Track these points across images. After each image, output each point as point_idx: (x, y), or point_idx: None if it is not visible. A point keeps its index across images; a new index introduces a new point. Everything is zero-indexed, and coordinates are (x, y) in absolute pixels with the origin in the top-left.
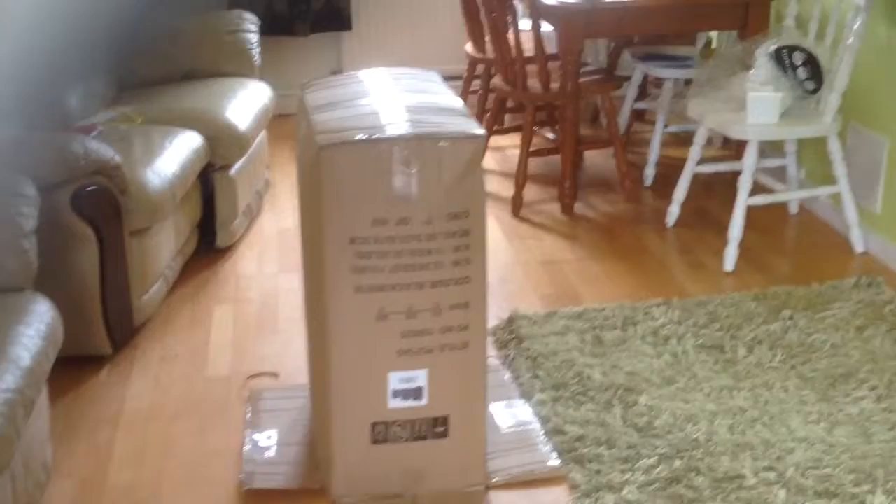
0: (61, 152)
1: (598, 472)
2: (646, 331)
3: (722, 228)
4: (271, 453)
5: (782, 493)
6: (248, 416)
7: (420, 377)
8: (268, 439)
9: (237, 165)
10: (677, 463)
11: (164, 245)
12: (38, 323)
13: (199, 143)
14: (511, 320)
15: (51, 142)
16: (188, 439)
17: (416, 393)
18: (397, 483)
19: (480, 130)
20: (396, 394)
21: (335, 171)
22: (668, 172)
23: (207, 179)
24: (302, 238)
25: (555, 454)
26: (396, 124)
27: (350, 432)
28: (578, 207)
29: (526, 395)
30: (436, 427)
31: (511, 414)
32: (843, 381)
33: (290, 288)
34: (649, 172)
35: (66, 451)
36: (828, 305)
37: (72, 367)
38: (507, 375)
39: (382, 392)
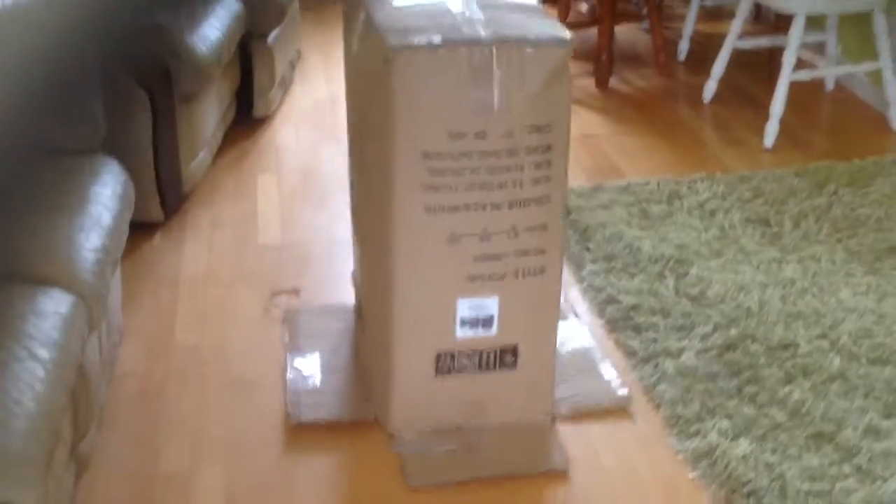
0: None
1: (654, 339)
2: (691, 204)
3: (758, 105)
4: (316, 381)
5: (837, 360)
6: (286, 339)
7: (491, 305)
8: (311, 366)
9: (274, 34)
10: (732, 331)
11: (210, 112)
12: (114, 183)
13: (238, 10)
14: None
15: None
16: (247, 305)
17: (485, 322)
18: (460, 416)
19: (568, 34)
20: (465, 322)
21: (410, 78)
22: (702, 48)
23: (245, 48)
24: (354, 150)
25: (620, 381)
26: (473, 25)
27: (412, 363)
28: (612, 82)
29: (577, 266)
30: (504, 357)
31: (568, 335)
32: (889, 254)
33: (330, 159)
34: (683, 47)
35: (132, 313)
36: (870, 181)
37: None
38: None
39: (450, 320)
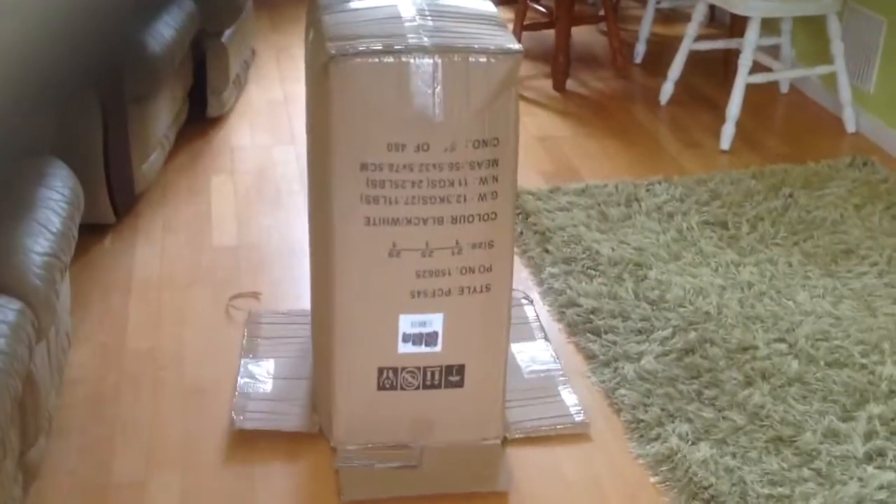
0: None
1: (614, 342)
2: (649, 207)
3: (714, 107)
4: (267, 388)
5: (794, 363)
6: (244, 341)
7: (435, 321)
8: (264, 372)
9: (228, 32)
10: (691, 334)
11: (162, 112)
12: (62, 187)
13: (191, 8)
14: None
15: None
16: (203, 307)
17: (429, 338)
18: (405, 433)
19: (517, 45)
20: (407, 338)
21: (347, 85)
22: (658, 50)
23: (198, 47)
24: (308, 158)
25: (579, 407)
26: (419, 33)
27: (354, 376)
28: (569, 84)
29: (537, 268)
30: (450, 376)
31: (531, 356)
32: (845, 257)
33: (286, 160)
34: (640, 49)
35: (82, 318)
36: (825, 184)
37: None
38: (530, 312)
39: (392, 336)
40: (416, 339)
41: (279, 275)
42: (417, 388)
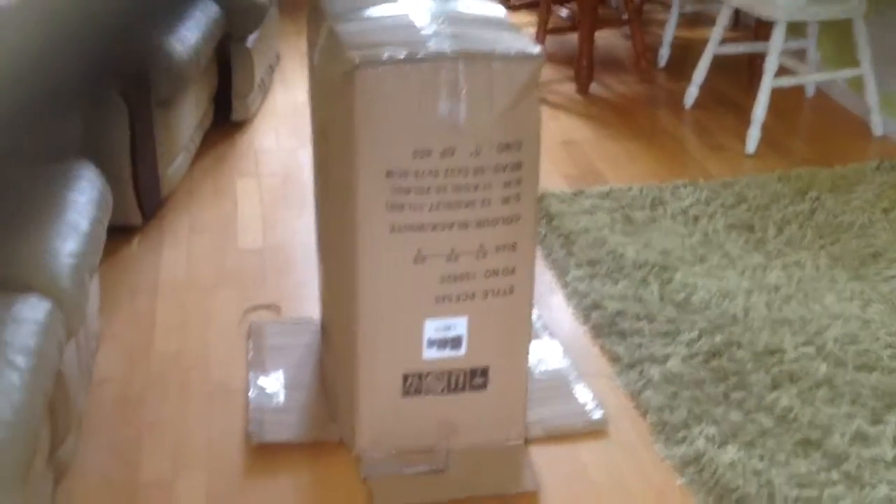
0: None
1: (639, 345)
2: (675, 210)
3: (740, 110)
4: (280, 399)
5: (823, 367)
6: (250, 354)
7: (459, 325)
8: (275, 383)
9: (252, 37)
10: (718, 337)
11: (188, 116)
12: (90, 190)
13: (216, 13)
14: (540, 198)
15: None
16: (228, 310)
17: (453, 342)
18: (429, 437)
19: (537, 49)
20: (432, 343)
21: (372, 94)
22: (682, 53)
23: (223, 51)
24: (319, 166)
25: (595, 403)
26: (439, 39)
27: (379, 384)
28: (593, 88)
29: (561, 271)
30: (474, 379)
31: (539, 356)
32: (873, 260)
33: (310, 162)
34: (664, 53)
35: (109, 319)
36: (852, 187)
37: None
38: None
39: (416, 341)
40: (441, 343)
41: (304, 277)
42: (442, 392)
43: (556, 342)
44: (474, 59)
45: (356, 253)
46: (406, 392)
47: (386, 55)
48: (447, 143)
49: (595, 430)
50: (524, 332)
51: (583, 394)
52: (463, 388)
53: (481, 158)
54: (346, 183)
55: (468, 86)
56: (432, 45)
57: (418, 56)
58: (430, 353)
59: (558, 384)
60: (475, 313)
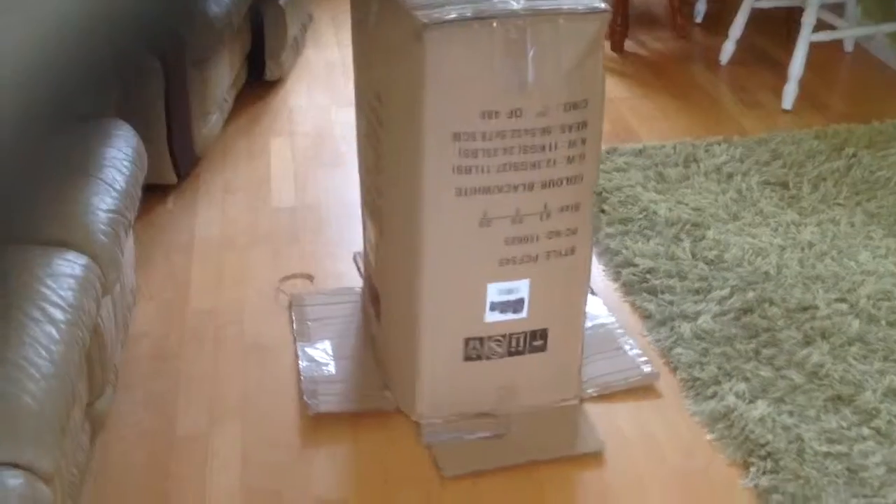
0: None
1: (671, 302)
2: (708, 168)
3: (776, 66)
4: (331, 370)
5: (856, 323)
6: (294, 325)
7: (522, 288)
8: (323, 353)
9: None
10: (750, 294)
11: (222, 75)
12: (126, 147)
13: None
14: None
15: None
16: (263, 268)
17: (516, 305)
18: (488, 401)
19: (603, 3)
20: (494, 306)
21: (440, 55)
22: (719, 9)
23: (256, 11)
24: (366, 130)
25: (645, 358)
26: None
27: (440, 349)
28: (628, 45)
29: (593, 229)
30: (534, 341)
31: (588, 312)
32: None
33: (344, 121)
34: (700, 8)
35: (145, 275)
36: (890, 143)
37: None
38: None
39: (480, 305)
40: (503, 306)
41: (337, 236)
42: (503, 355)
43: (598, 299)
44: (541, 17)
45: (421, 218)
46: (467, 357)
47: (453, 14)
48: (515, 103)
49: (646, 385)
50: (582, 293)
51: (631, 349)
52: (523, 351)
53: (548, 118)
54: (409, 147)
55: (536, 44)
56: (499, 4)
57: (486, 15)
58: (492, 317)
59: (607, 341)
60: (537, 275)
